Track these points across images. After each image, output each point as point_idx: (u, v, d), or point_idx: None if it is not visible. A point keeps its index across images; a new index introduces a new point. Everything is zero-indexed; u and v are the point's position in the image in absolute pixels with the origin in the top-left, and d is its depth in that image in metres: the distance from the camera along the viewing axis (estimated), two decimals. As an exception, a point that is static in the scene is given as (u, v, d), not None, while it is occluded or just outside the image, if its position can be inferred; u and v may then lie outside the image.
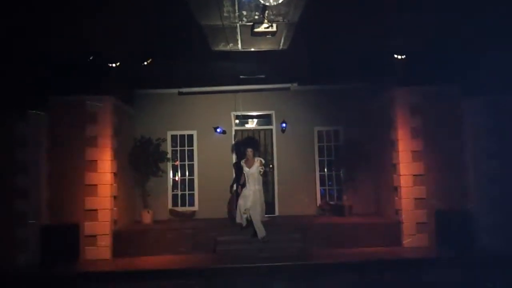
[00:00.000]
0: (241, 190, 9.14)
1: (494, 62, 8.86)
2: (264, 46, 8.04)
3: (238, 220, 9.03)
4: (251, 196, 8.79)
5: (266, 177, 9.05)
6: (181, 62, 9.50)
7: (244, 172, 8.97)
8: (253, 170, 8.87)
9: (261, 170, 8.94)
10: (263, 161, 9.15)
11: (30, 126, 9.17)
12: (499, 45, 8.44)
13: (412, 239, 9.49)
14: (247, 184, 8.92)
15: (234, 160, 11.51)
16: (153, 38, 8.03)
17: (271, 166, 9.35)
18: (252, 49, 8.24)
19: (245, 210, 8.80)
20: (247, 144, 9.35)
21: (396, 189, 9.91)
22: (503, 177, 9.34)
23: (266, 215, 9.43)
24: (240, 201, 8.92)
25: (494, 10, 7.05)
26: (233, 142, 11.90)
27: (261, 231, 8.76)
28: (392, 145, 10.09)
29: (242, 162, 9.08)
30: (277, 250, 8.85)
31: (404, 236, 9.56)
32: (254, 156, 9.14)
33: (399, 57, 9.28)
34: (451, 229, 9.02)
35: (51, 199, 9.28)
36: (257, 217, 8.77)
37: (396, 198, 9.88)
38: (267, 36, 6.94)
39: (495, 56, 8.75)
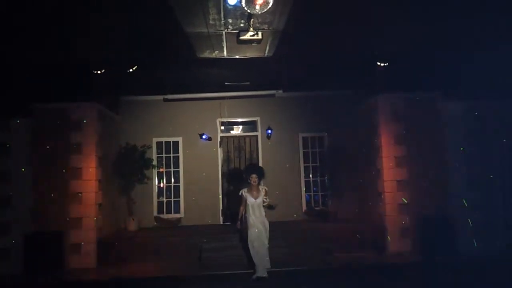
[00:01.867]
0: (240, 224, 7.94)
1: (474, 68, 9.09)
2: (250, 53, 8.13)
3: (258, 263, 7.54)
4: (261, 227, 7.56)
5: (272, 210, 7.74)
6: (167, 69, 9.53)
7: (249, 203, 7.57)
8: (259, 200, 7.57)
9: (265, 200, 7.60)
10: (267, 189, 7.80)
11: (13, 133, 9.08)
12: (479, 52, 8.67)
13: (396, 243, 9.60)
14: (251, 215, 7.55)
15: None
16: (138, 44, 8.02)
17: (275, 205, 7.72)
18: (238, 56, 8.31)
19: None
20: (250, 170, 7.84)
21: (380, 194, 10.03)
22: (483, 182, 9.54)
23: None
24: (250, 237, 7.57)
25: (475, 17, 7.23)
26: (219, 147, 11.91)
27: (263, 270, 7.57)
28: (375, 151, 10.22)
29: (244, 192, 7.68)
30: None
31: (387, 241, 9.67)
32: (258, 184, 7.80)
33: (382, 64, 9.46)
34: (434, 234, 9.14)
35: (35, 207, 9.16)
36: (266, 254, 7.59)
37: (380, 203, 10.00)
38: (253, 44, 7.03)
39: (476, 63, 8.98)
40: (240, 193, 7.77)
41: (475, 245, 9.10)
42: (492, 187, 9.65)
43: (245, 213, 7.72)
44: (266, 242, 7.58)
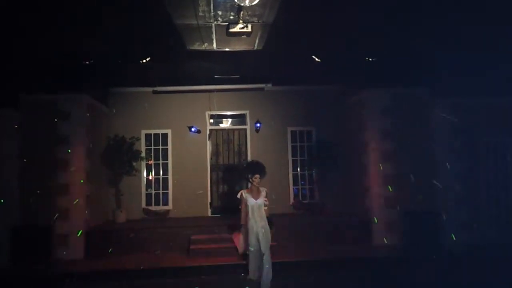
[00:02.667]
0: (242, 230, 6.91)
1: (462, 65, 9.21)
2: (239, 46, 8.13)
3: (252, 271, 6.66)
4: (263, 232, 6.66)
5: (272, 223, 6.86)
6: (156, 61, 9.49)
7: (249, 204, 6.70)
8: (260, 202, 6.76)
9: (265, 203, 6.83)
10: (267, 192, 6.99)
11: (1, 124, 9.00)
12: (467, 49, 8.78)
13: (382, 237, 9.74)
14: (251, 218, 6.68)
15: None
16: (128, 36, 7.98)
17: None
18: (227, 49, 8.32)
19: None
20: (254, 169, 6.94)
21: (366, 188, 10.16)
22: (470, 177, 9.72)
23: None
24: (250, 242, 6.64)
25: (463, 15, 7.32)
26: (208, 140, 11.92)
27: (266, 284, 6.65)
28: (362, 145, 10.34)
29: (245, 192, 6.82)
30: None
31: (373, 234, 9.81)
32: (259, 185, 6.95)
33: (370, 59, 9.54)
34: (420, 228, 9.31)
35: (22, 198, 9.11)
36: (269, 260, 6.66)
37: (367, 197, 10.13)
38: (242, 37, 7.05)
39: (463, 59, 9.10)
40: (238, 195, 6.89)
41: (454, 239, 9.24)
42: (478, 182, 9.82)
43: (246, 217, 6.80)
44: (268, 247, 6.64)
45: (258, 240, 6.59)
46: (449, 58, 9.22)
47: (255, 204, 6.74)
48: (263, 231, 6.67)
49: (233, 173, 11.91)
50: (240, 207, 6.84)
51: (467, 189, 9.71)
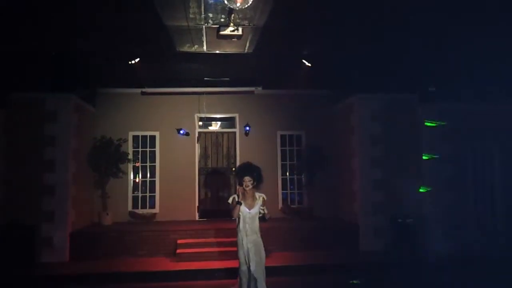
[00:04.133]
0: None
1: (450, 71, 9.30)
2: (230, 49, 8.11)
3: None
4: (253, 250, 5.77)
5: (264, 222, 6.01)
6: (145, 62, 9.41)
7: (241, 213, 5.78)
8: (255, 212, 5.81)
9: (262, 211, 5.90)
10: (265, 198, 5.98)
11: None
12: (455, 55, 8.87)
13: (369, 242, 9.74)
14: (241, 230, 5.81)
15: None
16: (117, 36, 7.90)
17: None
18: (217, 52, 8.27)
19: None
20: (243, 171, 5.99)
21: (354, 193, 10.16)
22: (457, 183, 9.77)
23: None
24: (239, 259, 5.87)
25: (452, 21, 7.37)
26: (196, 143, 11.83)
27: None
28: (351, 150, 10.36)
29: (237, 198, 5.85)
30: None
31: (361, 239, 9.81)
32: (253, 190, 5.95)
33: (360, 64, 9.58)
34: (407, 233, 9.33)
35: (7, 199, 8.96)
36: (262, 278, 5.80)
37: (355, 202, 10.13)
38: (233, 39, 7.02)
39: (452, 65, 9.19)
40: (230, 199, 6.03)
41: (446, 245, 9.32)
42: (465, 188, 9.88)
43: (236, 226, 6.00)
44: (261, 265, 5.82)
45: (247, 257, 5.71)
46: (437, 64, 9.32)
47: (248, 214, 5.76)
48: (254, 247, 5.73)
49: (221, 176, 11.84)
50: (231, 213, 5.89)
51: (454, 195, 9.75)
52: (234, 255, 8.39)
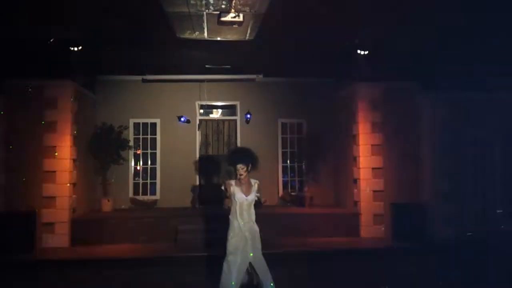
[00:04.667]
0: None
1: (451, 59, 9.25)
2: (231, 36, 8.03)
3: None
4: (250, 238, 5.55)
5: (258, 208, 5.78)
6: (146, 49, 9.37)
7: (237, 199, 5.54)
8: (251, 198, 5.59)
9: (258, 197, 5.69)
10: (260, 184, 5.77)
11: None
12: (456, 43, 8.81)
13: (369, 229, 9.79)
14: (237, 217, 5.56)
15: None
16: (117, 23, 7.84)
17: (264, 200, 5.70)
18: (218, 39, 8.21)
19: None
20: (237, 157, 5.71)
21: (355, 181, 10.18)
22: (456, 171, 9.78)
23: None
24: (230, 247, 5.54)
25: (453, 8, 7.31)
26: (197, 130, 11.83)
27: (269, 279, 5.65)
28: (352, 138, 10.35)
29: (233, 185, 5.60)
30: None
31: (361, 227, 9.85)
32: (248, 176, 5.68)
33: (362, 52, 9.54)
34: (406, 220, 9.36)
35: (7, 185, 8.98)
36: (265, 265, 5.66)
37: (355, 190, 10.15)
38: (234, 26, 6.96)
39: (452, 53, 9.14)
40: (223, 186, 5.79)
41: (445, 232, 9.37)
42: (465, 177, 9.88)
43: (229, 214, 5.71)
44: (259, 253, 5.64)
45: (243, 245, 5.49)
46: (439, 52, 9.27)
47: (245, 201, 5.55)
48: (251, 235, 5.55)
49: (222, 164, 11.85)
50: (225, 199, 5.69)
51: (454, 183, 9.77)
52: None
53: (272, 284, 5.59)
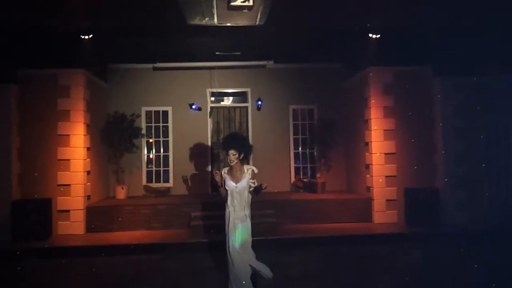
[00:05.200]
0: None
1: (464, 43, 9.08)
2: (241, 21, 8.01)
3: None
4: (240, 227, 5.41)
5: (257, 195, 5.53)
6: (157, 36, 9.37)
7: (227, 187, 5.40)
8: (242, 186, 5.35)
9: (253, 184, 5.40)
10: (256, 171, 5.49)
11: (1, 99, 8.96)
12: (470, 27, 8.65)
13: (382, 215, 9.77)
14: (229, 206, 5.45)
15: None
16: (128, 10, 7.85)
17: (265, 186, 5.36)
18: (228, 24, 8.18)
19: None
20: (228, 143, 5.46)
21: (368, 167, 10.14)
22: (469, 156, 9.67)
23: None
24: (232, 235, 5.44)
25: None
26: (209, 118, 11.85)
27: (266, 270, 5.51)
28: (364, 124, 10.28)
29: (225, 172, 5.48)
30: (251, 225, 8.96)
31: (374, 212, 9.83)
32: (241, 162, 5.48)
33: (374, 36, 9.43)
34: (420, 206, 9.31)
35: (23, 173, 9.12)
36: (252, 258, 5.50)
37: (368, 175, 10.11)
38: (244, 11, 6.93)
39: (466, 38, 8.97)
40: (220, 172, 5.48)
41: (459, 217, 9.31)
42: (479, 162, 9.76)
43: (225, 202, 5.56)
44: (248, 246, 5.49)
45: (231, 231, 5.39)
46: (453, 36, 9.10)
47: (235, 189, 5.34)
48: (241, 224, 5.38)
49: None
50: (219, 188, 5.50)
51: (468, 168, 9.66)
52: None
53: (244, 282, 5.30)
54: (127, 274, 6.91)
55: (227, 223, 5.48)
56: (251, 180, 5.37)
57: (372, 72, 10.01)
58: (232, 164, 5.35)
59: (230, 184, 5.37)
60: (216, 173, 5.41)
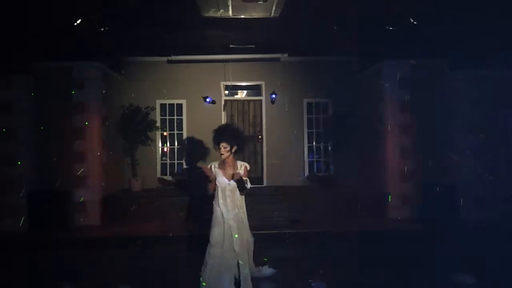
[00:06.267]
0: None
1: (481, 36, 8.91)
2: (256, 13, 7.96)
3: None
4: (235, 225, 5.05)
5: (242, 192, 5.20)
6: (171, 29, 9.38)
7: (218, 184, 5.07)
8: (234, 183, 5.05)
9: (246, 181, 5.07)
10: (248, 168, 5.23)
11: (16, 91, 9.07)
12: (486, 20, 8.48)
13: (397, 210, 9.67)
14: (220, 204, 5.08)
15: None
16: (143, 2, 7.86)
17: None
18: (243, 16, 8.14)
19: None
20: (219, 136, 5.14)
21: (383, 161, 10.04)
22: (487, 151, 9.52)
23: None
24: (212, 239, 5.03)
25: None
26: (223, 111, 11.85)
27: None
28: (380, 117, 10.17)
29: (215, 166, 5.14)
30: (265, 219, 8.99)
31: (389, 207, 9.74)
32: (233, 156, 5.19)
33: (390, 28, 9.29)
34: (436, 201, 9.19)
35: (41, 165, 9.24)
36: (246, 269, 5.05)
37: (383, 170, 10.02)
38: (259, 2, 6.88)
39: (482, 31, 8.80)
40: (209, 166, 5.18)
41: (477, 213, 9.17)
42: (496, 156, 9.62)
43: (213, 200, 5.20)
44: (246, 250, 5.10)
45: (227, 237, 4.92)
46: (469, 29, 8.94)
47: (228, 186, 5.00)
48: (237, 224, 4.96)
49: (247, 144, 11.86)
50: (208, 183, 5.18)
51: (485, 163, 9.51)
52: (262, 221, 8.54)
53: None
54: (142, 265, 6.95)
55: (213, 224, 4.98)
56: (244, 178, 5.01)
57: (388, 65, 9.89)
58: (223, 157, 5.00)
59: (222, 180, 4.98)
60: (209, 166, 5.08)
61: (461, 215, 9.24)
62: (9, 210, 8.84)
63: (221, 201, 5.02)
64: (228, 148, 5.01)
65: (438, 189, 9.26)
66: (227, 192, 5.01)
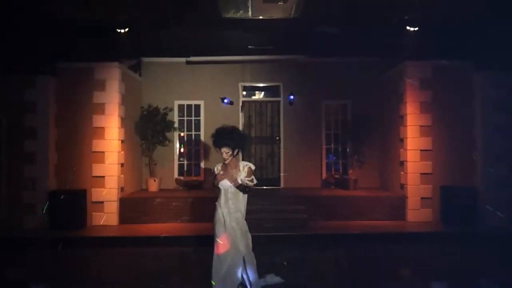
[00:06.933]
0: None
1: (504, 37, 8.72)
2: (275, 14, 7.93)
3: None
4: (238, 227, 4.94)
5: (249, 192, 5.07)
6: (190, 30, 9.40)
7: (220, 186, 4.96)
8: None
9: (250, 183, 4.96)
10: (253, 168, 5.10)
11: (39, 91, 9.20)
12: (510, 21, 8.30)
13: (416, 213, 9.52)
14: (221, 206, 4.97)
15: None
16: (163, 3, 7.90)
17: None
18: (262, 17, 8.11)
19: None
20: (220, 139, 4.98)
21: (402, 163, 9.90)
22: (510, 155, 9.29)
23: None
24: (220, 230, 4.95)
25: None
26: (240, 112, 11.82)
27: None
28: (400, 119, 10.03)
29: (218, 169, 5.04)
30: (281, 220, 8.93)
31: (408, 210, 9.59)
32: (236, 159, 5.11)
33: (411, 29, 9.17)
34: (456, 204, 9.03)
35: (59, 164, 9.36)
36: (254, 263, 5.05)
37: (402, 172, 9.88)
38: (279, 3, 6.84)
39: (506, 32, 8.60)
40: (213, 170, 5.13)
41: (498, 217, 8.95)
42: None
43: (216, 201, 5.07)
44: (249, 249, 5.00)
45: (233, 238, 4.88)
46: (492, 30, 8.75)
47: (230, 189, 4.91)
48: (239, 226, 4.92)
49: (265, 145, 11.83)
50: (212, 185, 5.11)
51: (509, 167, 9.30)
52: (279, 222, 8.47)
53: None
54: (158, 265, 6.98)
55: (220, 225, 4.90)
56: (247, 178, 4.92)
57: (409, 66, 9.75)
58: (226, 161, 4.93)
59: (224, 183, 4.91)
60: (215, 169, 5.01)
61: (481, 219, 9.04)
62: (29, 209, 8.94)
63: (222, 203, 4.95)
64: (230, 153, 4.92)
65: (458, 192, 9.11)
66: (229, 195, 4.94)
